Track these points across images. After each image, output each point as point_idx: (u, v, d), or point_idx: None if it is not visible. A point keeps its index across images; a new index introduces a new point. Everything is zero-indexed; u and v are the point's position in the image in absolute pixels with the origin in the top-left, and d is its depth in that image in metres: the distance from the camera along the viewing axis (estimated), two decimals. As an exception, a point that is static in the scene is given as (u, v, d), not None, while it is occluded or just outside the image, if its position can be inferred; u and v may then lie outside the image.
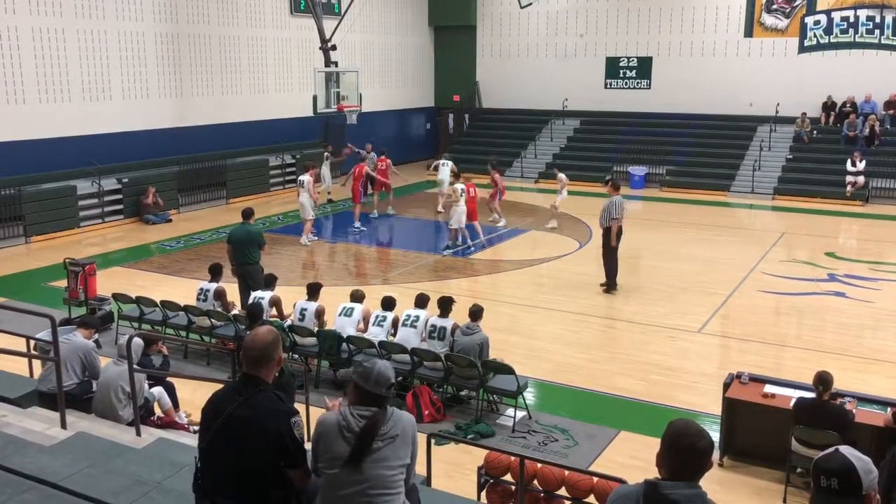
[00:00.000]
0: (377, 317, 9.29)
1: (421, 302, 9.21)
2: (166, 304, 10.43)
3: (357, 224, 17.88)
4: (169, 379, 7.75)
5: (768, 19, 24.45)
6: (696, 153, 24.11)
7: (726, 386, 7.53)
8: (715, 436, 7.33)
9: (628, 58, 26.62)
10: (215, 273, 10.36)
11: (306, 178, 16.35)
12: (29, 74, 16.86)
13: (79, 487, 4.48)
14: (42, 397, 6.67)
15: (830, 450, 2.97)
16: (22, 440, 5.21)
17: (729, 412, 7.42)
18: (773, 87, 24.12)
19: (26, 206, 16.44)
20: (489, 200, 17.92)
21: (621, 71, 26.80)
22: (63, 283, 11.29)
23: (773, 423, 7.13)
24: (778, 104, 23.86)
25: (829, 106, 23.87)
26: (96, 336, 7.64)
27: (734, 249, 16.12)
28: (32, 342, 7.66)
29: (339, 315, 9.45)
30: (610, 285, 12.87)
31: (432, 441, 6.13)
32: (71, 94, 17.73)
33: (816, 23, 23.90)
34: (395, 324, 9.20)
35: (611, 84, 27.01)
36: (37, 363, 7.91)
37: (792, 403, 6.89)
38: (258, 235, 11.23)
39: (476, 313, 8.67)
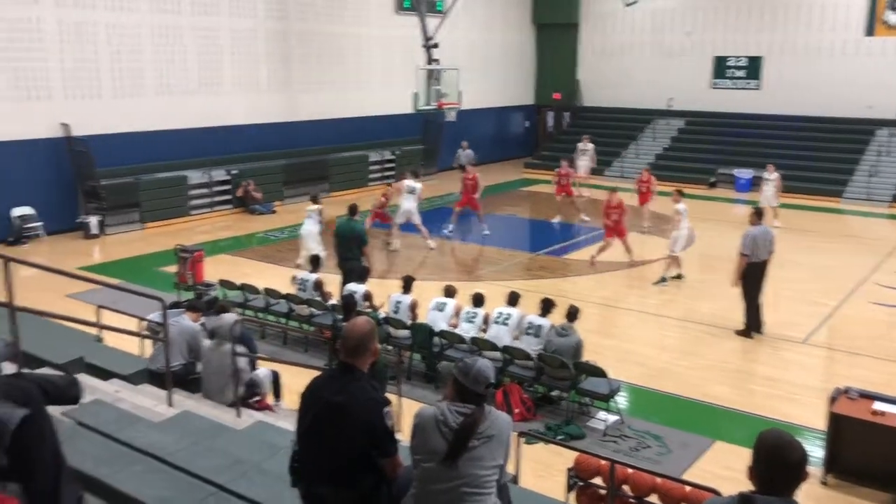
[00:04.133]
0: (468, 313, 9.34)
1: (513, 300, 9.21)
2: (269, 292, 10.82)
3: (450, 227, 17.63)
4: (274, 367, 7.97)
5: (892, 17, 23.07)
6: (808, 157, 23.02)
7: (832, 400, 7.19)
8: (818, 452, 7.06)
9: (737, 57, 25.70)
10: (315, 264, 10.72)
11: (418, 185, 16.52)
12: (148, 70, 17.78)
13: (183, 463, 4.72)
14: (151, 375, 7.04)
15: None
16: (133, 415, 5.53)
17: (834, 428, 7.09)
18: (895, 88, 22.77)
19: (142, 194, 17.38)
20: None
21: (729, 70, 25.91)
22: (174, 268, 11.85)
23: (883, 442, 6.76)
24: (900, 107, 22.52)
25: (957, 109, 22.38)
26: (202, 320, 7.97)
27: (845, 258, 15.33)
28: (144, 323, 8.09)
29: (432, 309, 9.56)
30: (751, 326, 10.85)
31: (522, 440, 6.13)
32: (188, 88, 18.57)
33: (946, 20, 22.41)
34: (485, 320, 9.24)
35: (718, 84, 26.16)
36: (147, 343, 8.36)
37: (904, 423, 6.54)
38: (361, 233, 11.41)
39: (573, 314, 8.62)
